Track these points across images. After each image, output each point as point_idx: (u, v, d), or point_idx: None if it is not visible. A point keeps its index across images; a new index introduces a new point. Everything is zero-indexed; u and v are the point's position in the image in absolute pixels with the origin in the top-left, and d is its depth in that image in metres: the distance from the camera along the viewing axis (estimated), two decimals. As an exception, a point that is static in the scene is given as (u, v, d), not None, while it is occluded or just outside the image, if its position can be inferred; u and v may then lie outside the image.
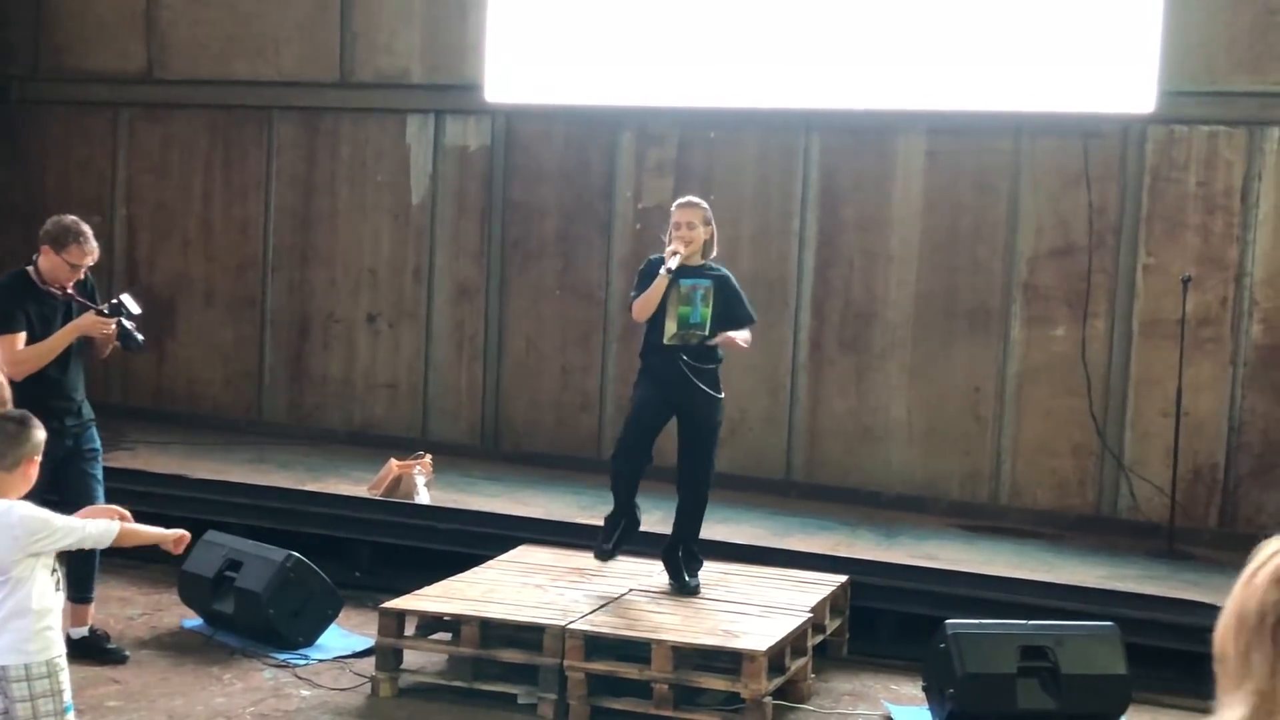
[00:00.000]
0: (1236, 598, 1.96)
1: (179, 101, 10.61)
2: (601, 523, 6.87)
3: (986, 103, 8.54)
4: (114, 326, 6.20)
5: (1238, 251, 8.22)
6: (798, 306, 9.08)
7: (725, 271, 6.65)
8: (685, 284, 6.41)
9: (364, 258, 10.13)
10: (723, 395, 6.66)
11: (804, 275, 9.07)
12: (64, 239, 6.23)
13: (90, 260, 6.32)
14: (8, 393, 4.76)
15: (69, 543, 4.15)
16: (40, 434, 4.20)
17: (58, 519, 4.14)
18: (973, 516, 8.57)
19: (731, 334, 6.60)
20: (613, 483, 6.78)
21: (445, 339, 9.96)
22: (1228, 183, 8.24)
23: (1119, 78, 8.26)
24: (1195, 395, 8.12)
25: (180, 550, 4.58)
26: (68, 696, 4.15)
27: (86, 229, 6.30)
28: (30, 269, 6.29)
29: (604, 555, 6.80)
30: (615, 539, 6.79)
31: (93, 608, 6.57)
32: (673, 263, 6.39)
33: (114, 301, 6.31)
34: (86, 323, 6.18)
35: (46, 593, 4.12)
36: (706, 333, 6.46)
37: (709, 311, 6.44)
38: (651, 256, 6.66)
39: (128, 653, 6.57)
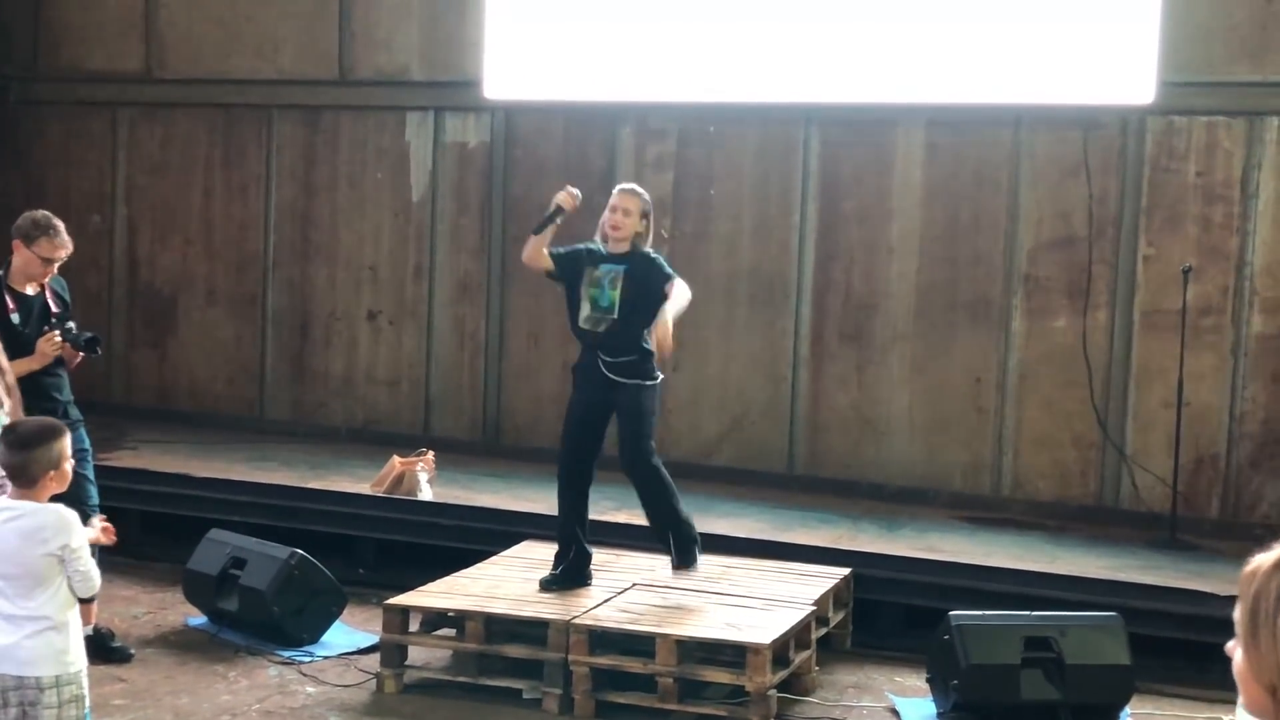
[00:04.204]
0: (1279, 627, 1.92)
1: (178, 101, 10.60)
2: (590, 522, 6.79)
3: (986, 95, 8.54)
4: (58, 338, 6.18)
5: (1238, 241, 8.22)
6: (799, 300, 9.08)
7: (649, 252, 6.48)
8: (601, 269, 6.41)
9: (365, 255, 10.14)
10: (651, 381, 6.44)
11: (804, 268, 9.08)
12: (33, 233, 6.19)
13: (62, 254, 6.26)
14: (19, 397, 4.79)
15: (82, 568, 4.17)
16: (57, 446, 4.16)
17: (81, 534, 4.19)
18: (975, 508, 8.58)
19: (661, 321, 6.15)
20: (558, 489, 6.65)
21: (446, 335, 9.96)
22: (1227, 173, 8.24)
23: (1118, 69, 8.26)
24: (1196, 385, 8.12)
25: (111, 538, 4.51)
26: (88, 702, 4.20)
27: (59, 223, 6.24)
28: (2, 273, 6.28)
29: (546, 584, 6.58)
30: (561, 567, 6.64)
31: (96, 606, 6.57)
32: (556, 215, 6.37)
33: (53, 320, 6.30)
34: (40, 352, 6.14)
35: (71, 602, 4.16)
36: (616, 315, 6.38)
37: (616, 294, 6.38)
38: (579, 245, 6.56)
39: (133, 650, 6.59)
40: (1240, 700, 1.98)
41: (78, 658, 4.17)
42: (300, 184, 10.31)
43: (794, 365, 9.12)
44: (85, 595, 4.25)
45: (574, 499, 6.66)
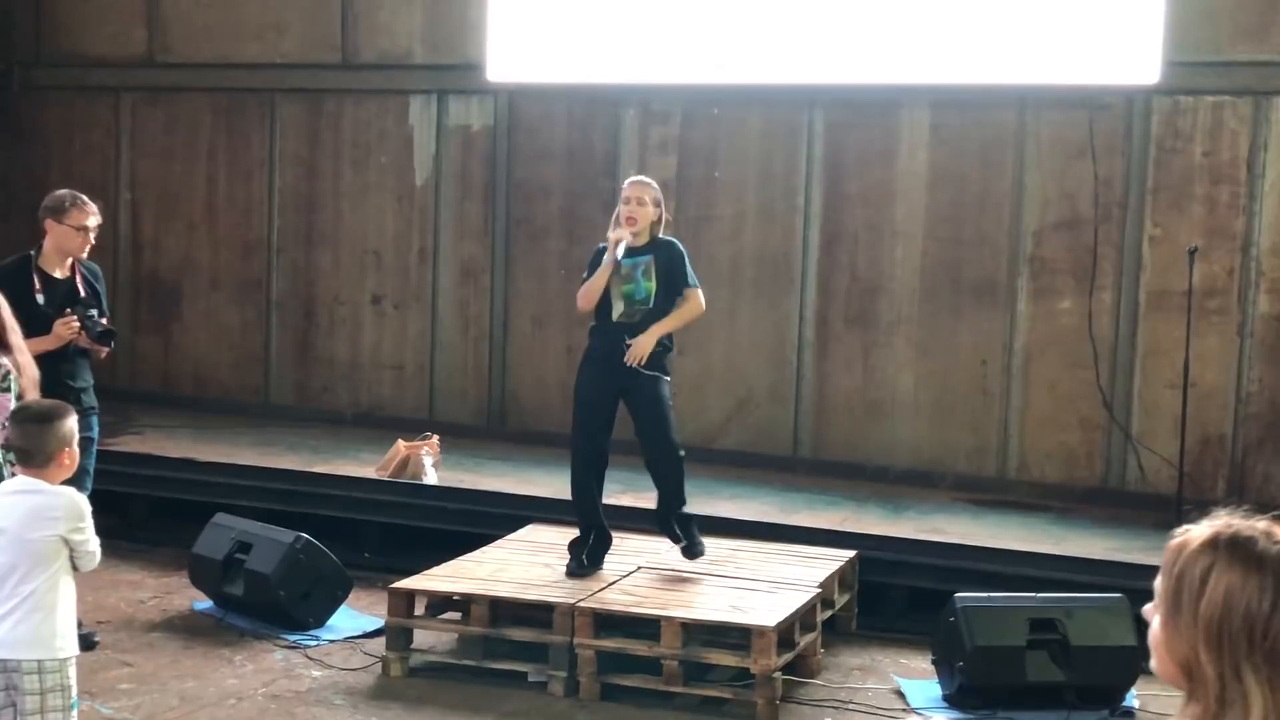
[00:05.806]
0: (1200, 611, 1.88)
1: (181, 85, 10.59)
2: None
3: (991, 76, 8.51)
4: (75, 322, 6.18)
5: (1244, 222, 8.20)
6: (803, 283, 9.07)
7: (670, 239, 6.60)
8: (625, 264, 6.46)
9: (368, 239, 10.13)
10: (668, 377, 6.59)
11: (809, 251, 9.06)
12: (62, 205, 6.28)
13: (94, 221, 6.34)
14: (35, 371, 4.80)
15: (90, 549, 4.16)
16: (68, 423, 4.20)
17: (89, 518, 4.18)
18: (980, 490, 8.57)
19: (664, 324, 6.42)
20: (572, 473, 6.58)
21: (451, 320, 9.95)
22: (1233, 153, 8.21)
23: (1123, 49, 8.23)
24: (1202, 366, 8.10)
25: None
26: (74, 693, 4.17)
27: (84, 196, 6.35)
28: (34, 253, 6.30)
29: (579, 572, 6.54)
30: (588, 552, 6.62)
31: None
32: (619, 250, 6.42)
33: (80, 304, 6.30)
34: (55, 333, 6.12)
35: (69, 589, 4.15)
36: (651, 305, 6.45)
37: (652, 285, 6.45)
38: (600, 245, 6.64)
39: (97, 639, 6.46)
40: (1152, 663, 1.98)
41: (66, 646, 4.12)
42: (304, 168, 10.29)
43: (799, 348, 9.10)
44: (88, 569, 4.26)
45: (593, 483, 6.64)
